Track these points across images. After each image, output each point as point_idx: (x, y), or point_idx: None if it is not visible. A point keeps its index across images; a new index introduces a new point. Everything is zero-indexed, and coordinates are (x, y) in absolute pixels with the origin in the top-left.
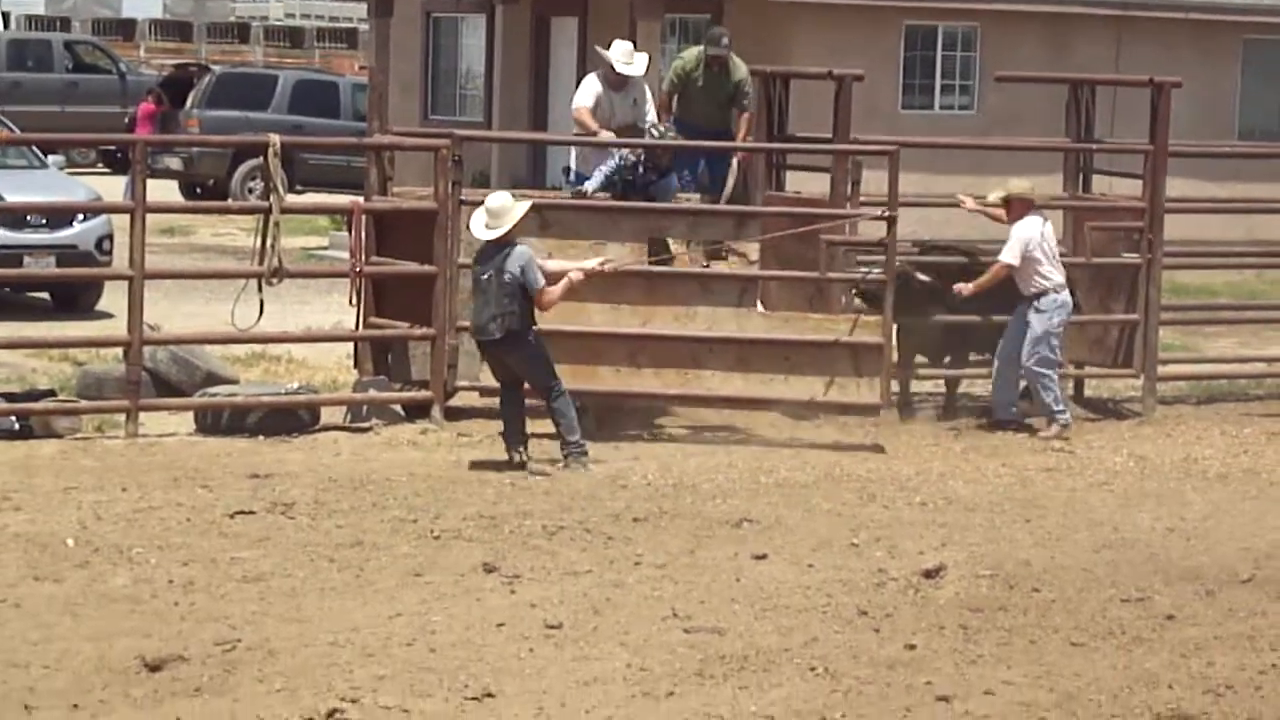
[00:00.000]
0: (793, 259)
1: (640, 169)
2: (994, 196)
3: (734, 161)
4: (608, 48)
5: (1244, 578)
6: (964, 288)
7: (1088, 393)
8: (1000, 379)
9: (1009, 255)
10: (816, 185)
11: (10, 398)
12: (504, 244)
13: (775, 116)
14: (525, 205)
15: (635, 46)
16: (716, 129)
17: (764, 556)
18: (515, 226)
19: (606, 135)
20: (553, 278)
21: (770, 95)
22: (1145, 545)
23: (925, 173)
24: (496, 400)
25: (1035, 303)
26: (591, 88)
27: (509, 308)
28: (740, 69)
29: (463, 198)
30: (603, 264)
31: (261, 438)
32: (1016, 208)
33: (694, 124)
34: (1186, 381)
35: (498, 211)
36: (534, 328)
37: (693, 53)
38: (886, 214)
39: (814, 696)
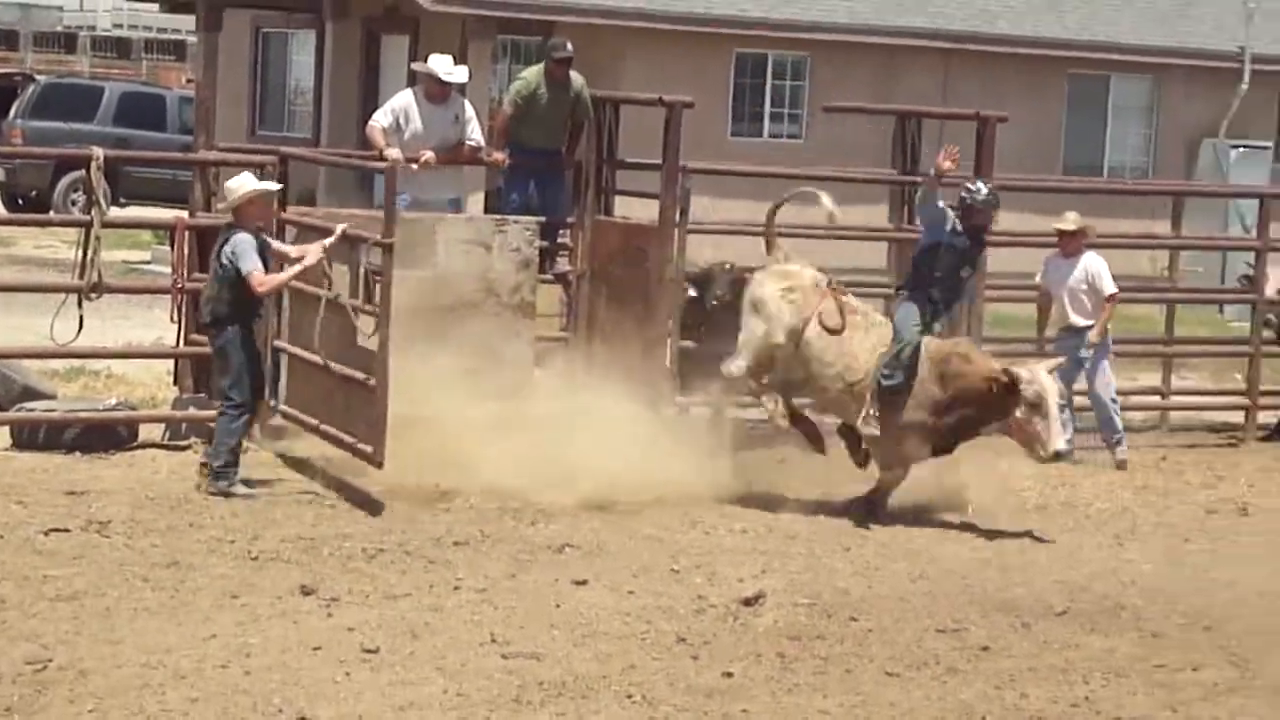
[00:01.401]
0: (621, 283)
1: None
2: (1064, 226)
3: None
4: (424, 63)
5: (1059, 610)
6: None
7: None
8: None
9: (1111, 285)
10: (645, 211)
11: None
12: (231, 227)
13: (605, 142)
14: (251, 188)
15: (469, 67)
16: (554, 149)
17: (584, 582)
18: (242, 210)
19: (394, 153)
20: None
21: (600, 121)
22: (962, 576)
23: (753, 200)
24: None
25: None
26: (395, 105)
27: (218, 293)
28: (578, 78)
29: (285, 216)
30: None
31: (79, 454)
32: (1077, 240)
33: (532, 147)
34: None
35: (227, 192)
36: (239, 324)
37: (533, 70)
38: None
39: None
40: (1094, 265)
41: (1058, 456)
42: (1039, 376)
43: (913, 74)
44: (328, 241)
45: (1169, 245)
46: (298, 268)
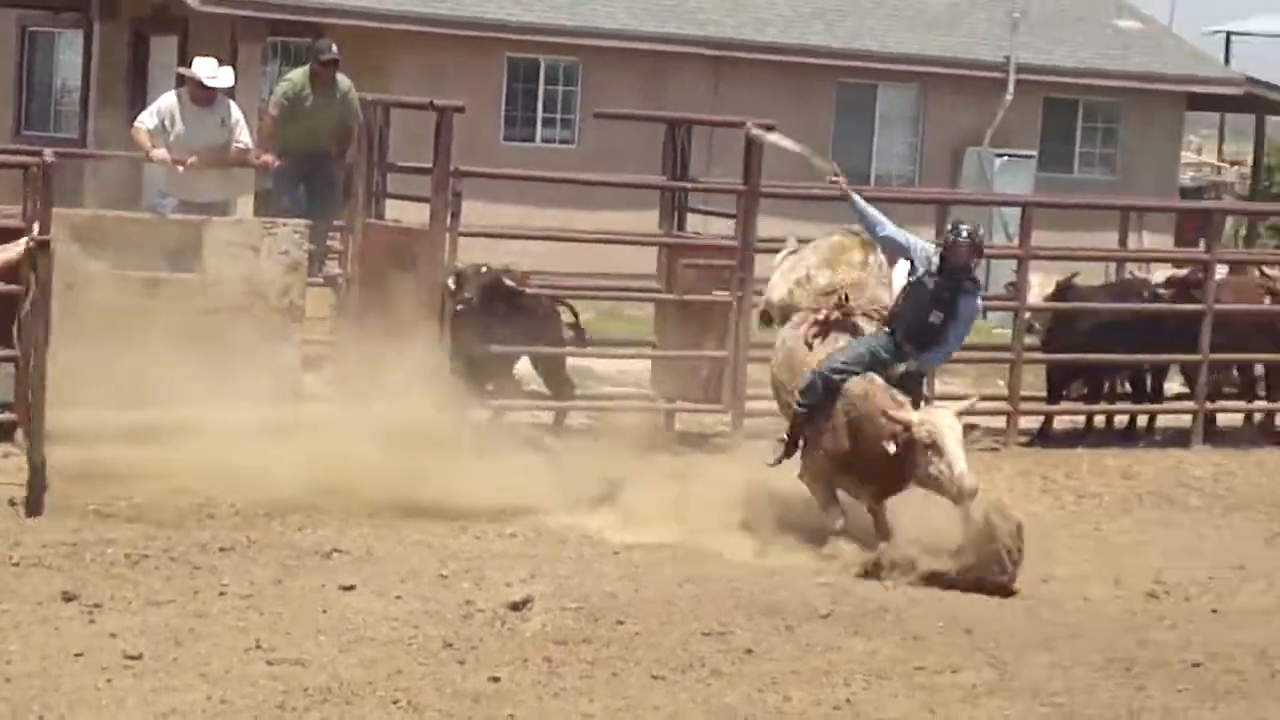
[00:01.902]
0: (389, 285)
1: None
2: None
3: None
4: (190, 66)
5: (823, 613)
6: None
7: (678, 427)
8: None
9: None
10: (416, 214)
11: None
12: None
13: (375, 145)
14: None
15: (236, 68)
16: (322, 151)
17: (352, 588)
18: None
19: (160, 154)
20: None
21: (371, 124)
22: (728, 579)
23: (525, 205)
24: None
25: None
26: (160, 107)
27: None
28: (345, 80)
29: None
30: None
31: None
32: None
33: (299, 149)
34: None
35: None
36: None
37: (299, 72)
38: None
39: None
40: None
41: (974, 493)
42: (930, 416)
43: (683, 80)
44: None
45: None
46: None
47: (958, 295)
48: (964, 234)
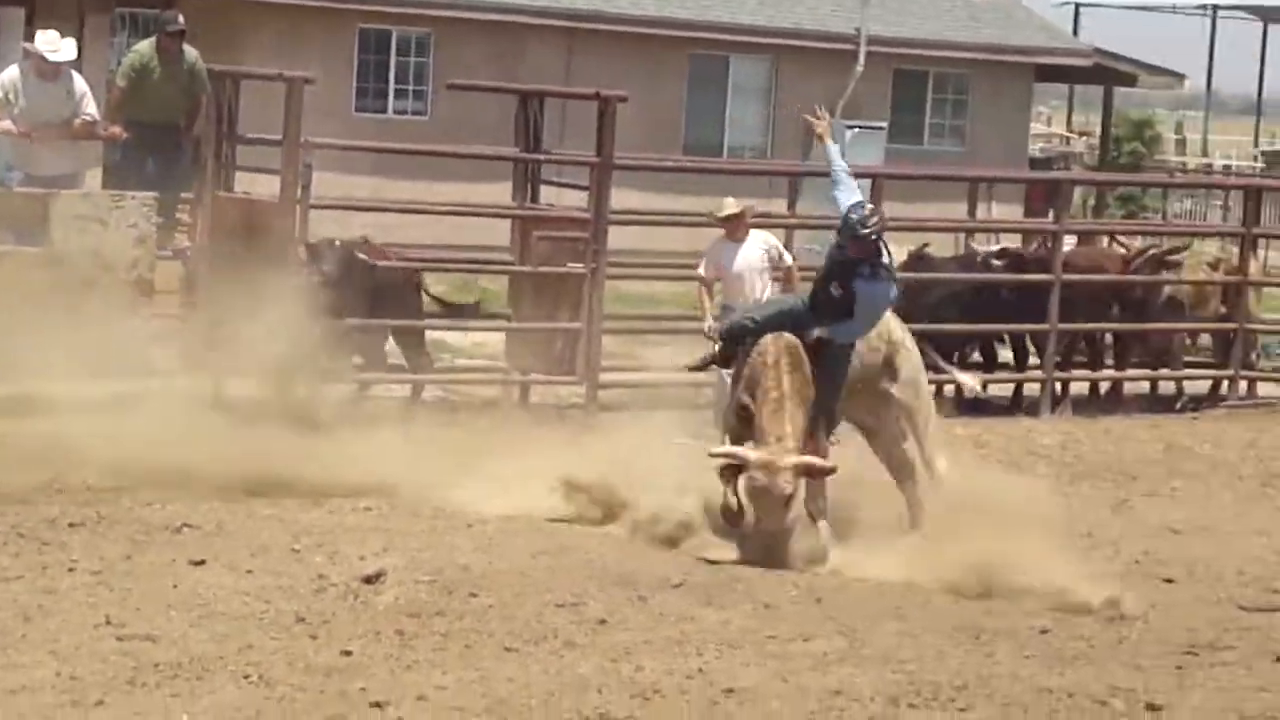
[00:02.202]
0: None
1: None
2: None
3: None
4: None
5: (675, 583)
6: None
7: (533, 399)
8: None
9: (789, 256)
10: (267, 187)
11: None
12: None
13: (225, 117)
14: None
15: (83, 40)
16: (170, 123)
17: (202, 562)
18: None
19: (4, 125)
20: None
21: (220, 96)
22: (582, 551)
23: (378, 177)
24: None
25: None
26: (3, 81)
27: None
28: (192, 52)
29: None
30: None
31: None
32: (741, 222)
33: (147, 121)
34: (628, 389)
35: None
36: None
37: (146, 44)
38: None
39: (247, 704)
40: (769, 241)
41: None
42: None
43: (536, 52)
44: None
45: (787, 224)
46: None
47: (854, 278)
48: (860, 230)
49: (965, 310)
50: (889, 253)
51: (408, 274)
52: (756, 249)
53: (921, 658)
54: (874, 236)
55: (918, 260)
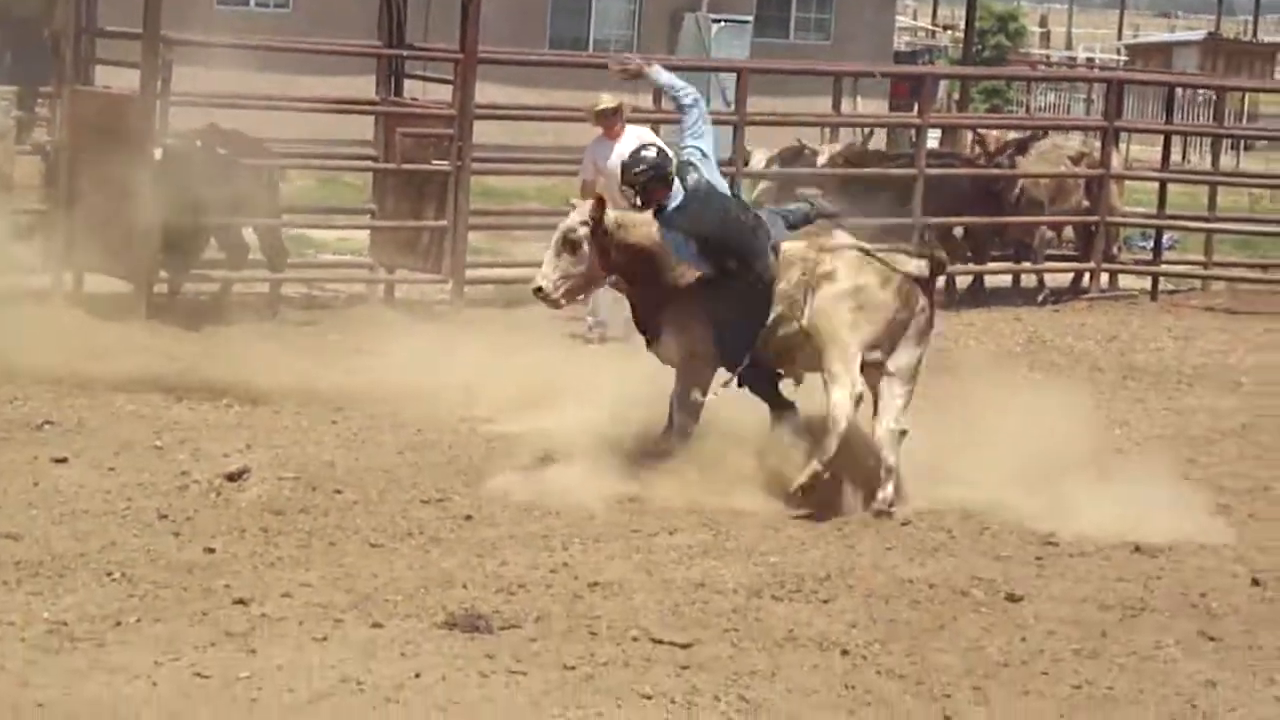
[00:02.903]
0: (100, 153)
1: None
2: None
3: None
4: None
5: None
6: None
7: (398, 296)
8: None
9: None
10: (127, 81)
11: None
12: None
13: (82, 10)
14: None
15: None
16: (28, 17)
17: (64, 460)
18: None
19: None
20: None
21: None
22: (448, 447)
23: (242, 70)
24: None
25: None
26: None
27: None
28: None
29: None
30: None
31: None
32: (617, 118)
33: (5, 15)
34: (494, 285)
35: None
36: None
37: None
38: None
39: (109, 601)
40: (647, 137)
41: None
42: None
43: None
44: None
45: (652, 119)
46: None
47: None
48: (628, 174)
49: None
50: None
51: (269, 169)
52: (633, 146)
53: (785, 550)
54: (641, 183)
55: (795, 155)
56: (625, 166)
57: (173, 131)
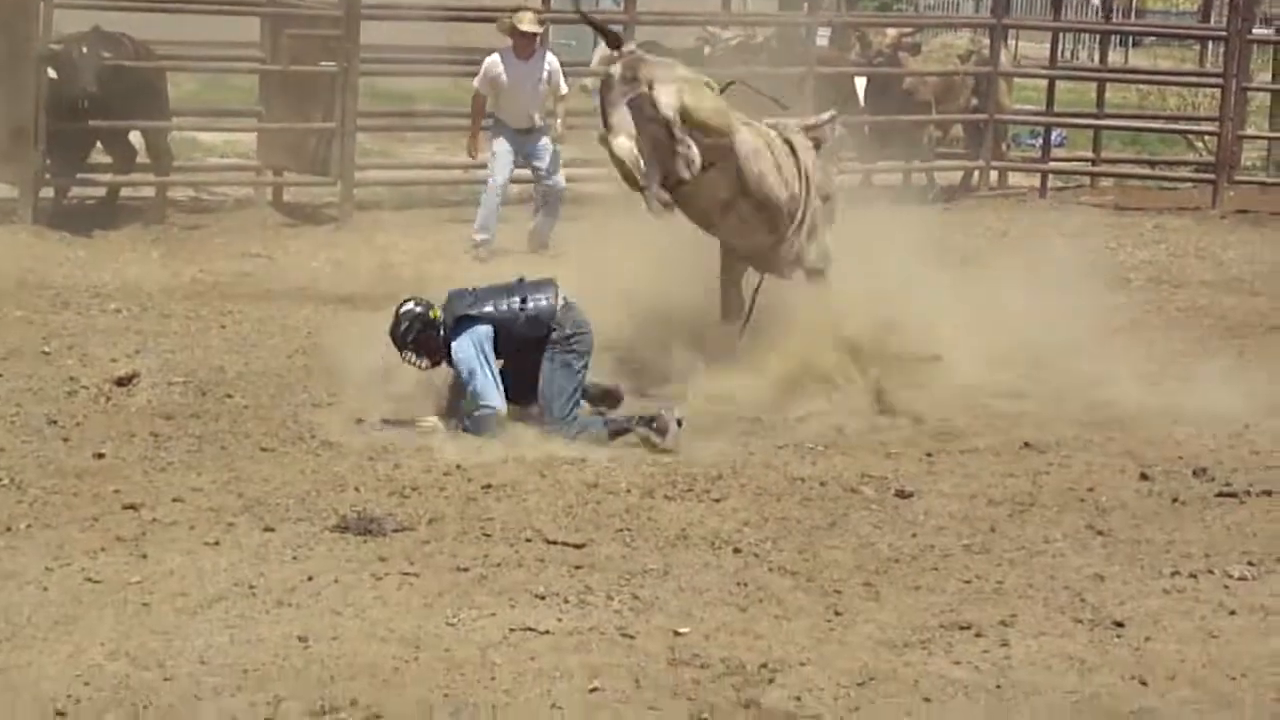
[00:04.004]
0: None
1: None
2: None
3: None
4: None
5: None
6: None
7: (287, 199)
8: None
9: (565, 85)
10: None
11: None
12: None
13: None
14: None
15: None
16: None
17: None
18: None
19: None
20: None
21: None
22: (336, 351)
23: None
24: None
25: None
26: None
27: None
28: None
29: None
30: None
31: None
32: (535, 41)
33: None
34: (385, 187)
35: None
36: None
37: None
38: None
39: (0, 508)
40: (554, 65)
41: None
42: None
43: None
44: None
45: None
46: None
47: None
48: None
49: None
50: None
51: (155, 72)
52: (543, 70)
53: (677, 451)
54: (412, 341)
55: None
56: (393, 337)
57: (58, 35)
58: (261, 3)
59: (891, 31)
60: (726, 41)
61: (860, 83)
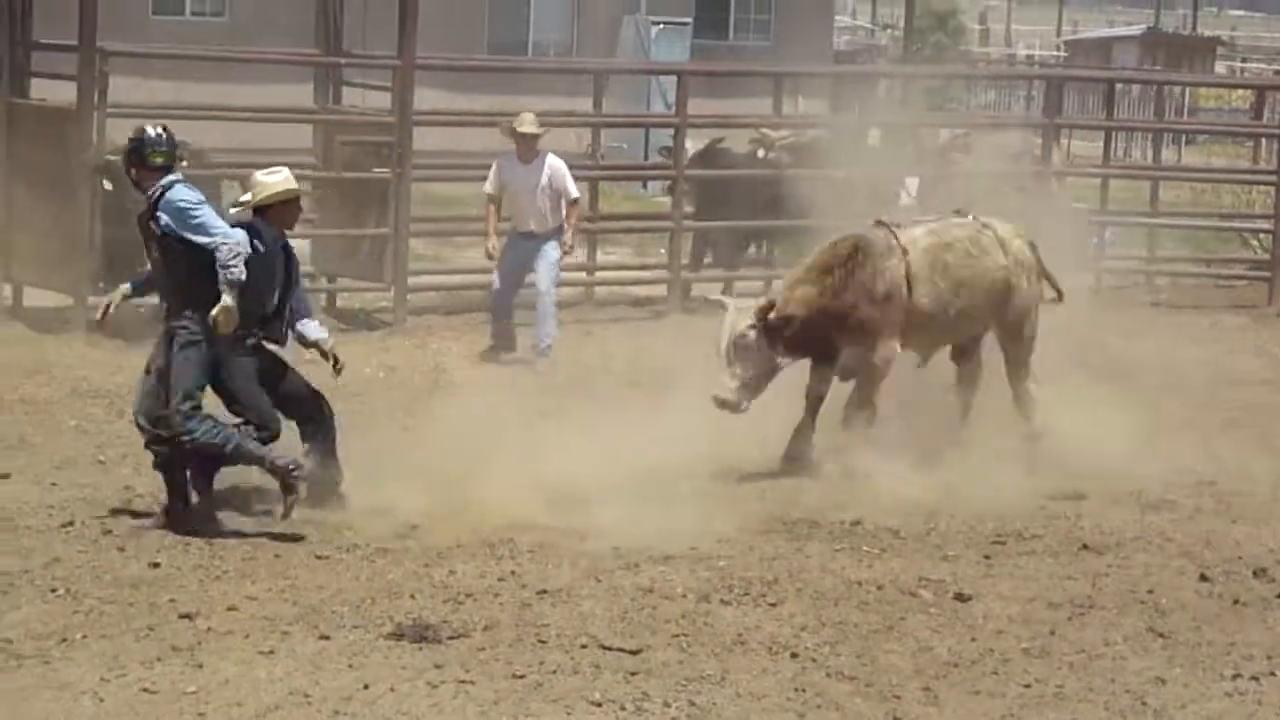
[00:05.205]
0: (38, 165)
1: None
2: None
3: None
4: None
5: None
6: None
7: (340, 304)
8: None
9: (575, 190)
10: (65, 93)
11: None
12: None
13: (17, 23)
14: None
15: None
16: None
17: (7, 476)
18: None
19: None
20: None
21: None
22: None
23: (178, 80)
24: None
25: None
26: None
27: None
28: None
29: None
30: None
31: None
32: (535, 142)
33: None
34: (437, 292)
35: None
36: None
37: None
38: None
39: (54, 618)
40: (556, 169)
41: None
42: None
43: None
44: None
45: (592, 123)
46: None
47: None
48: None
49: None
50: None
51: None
52: (542, 175)
53: (733, 554)
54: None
55: (714, 155)
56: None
57: (112, 145)
58: (315, 109)
59: (944, 133)
60: (778, 142)
61: (913, 183)
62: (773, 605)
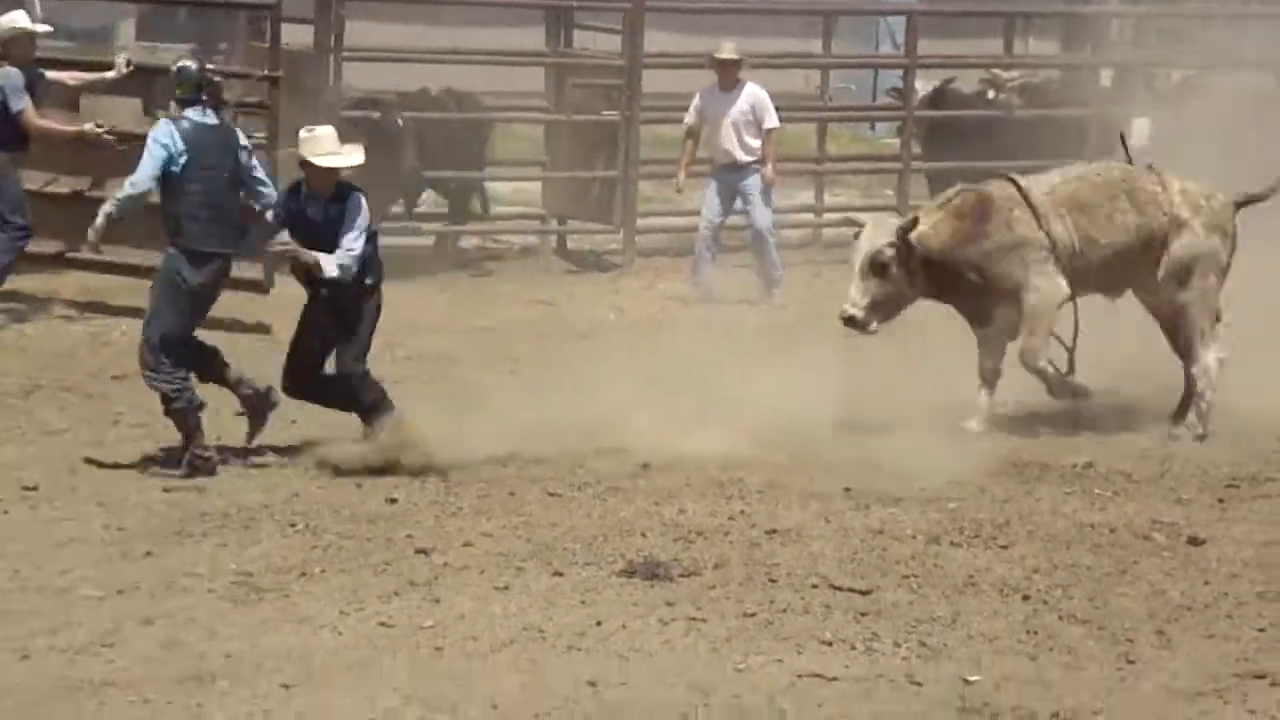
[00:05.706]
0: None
1: None
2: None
3: None
4: None
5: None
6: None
7: (570, 246)
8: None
9: (774, 118)
10: (301, 36)
11: None
12: None
13: None
14: None
15: None
16: None
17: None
18: None
19: None
20: None
21: None
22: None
23: (412, 24)
24: None
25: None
26: None
27: None
28: None
29: None
30: None
31: None
32: (735, 70)
33: None
34: (666, 234)
35: None
36: None
37: None
38: None
39: (293, 552)
40: (757, 96)
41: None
42: None
43: None
44: None
45: (821, 64)
46: None
47: None
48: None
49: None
50: None
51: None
52: (743, 103)
53: (964, 497)
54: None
55: (940, 96)
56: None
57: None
58: (547, 53)
59: (1176, 74)
60: (1008, 83)
61: (1143, 124)
62: (1004, 548)
